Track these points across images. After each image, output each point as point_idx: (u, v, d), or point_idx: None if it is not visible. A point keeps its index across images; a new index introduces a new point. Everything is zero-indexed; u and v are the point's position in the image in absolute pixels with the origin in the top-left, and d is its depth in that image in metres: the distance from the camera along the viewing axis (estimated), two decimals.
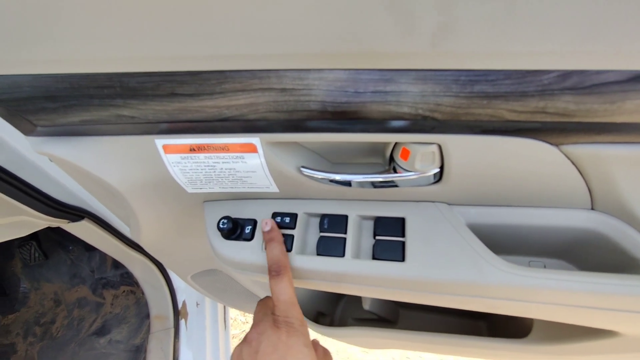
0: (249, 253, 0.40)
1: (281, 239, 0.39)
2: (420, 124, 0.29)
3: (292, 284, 0.36)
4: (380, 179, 0.34)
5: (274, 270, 0.36)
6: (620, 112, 0.25)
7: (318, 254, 0.38)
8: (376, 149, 0.37)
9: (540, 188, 0.34)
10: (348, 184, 0.37)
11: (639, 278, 0.32)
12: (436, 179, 0.35)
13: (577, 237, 0.37)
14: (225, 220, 0.40)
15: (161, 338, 0.95)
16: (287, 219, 0.41)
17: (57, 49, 0.25)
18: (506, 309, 0.37)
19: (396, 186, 0.36)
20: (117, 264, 1.20)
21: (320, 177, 0.36)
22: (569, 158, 0.30)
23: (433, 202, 0.38)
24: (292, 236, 0.39)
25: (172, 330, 0.96)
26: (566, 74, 0.24)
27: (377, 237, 0.38)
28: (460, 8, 0.21)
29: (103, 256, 1.21)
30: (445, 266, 0.35)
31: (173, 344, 0.94)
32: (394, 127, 0.29)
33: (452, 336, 0.58)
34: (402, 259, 0.36)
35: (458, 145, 0.30)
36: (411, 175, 0.33)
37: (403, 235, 0.37)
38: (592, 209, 0.36)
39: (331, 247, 0.38)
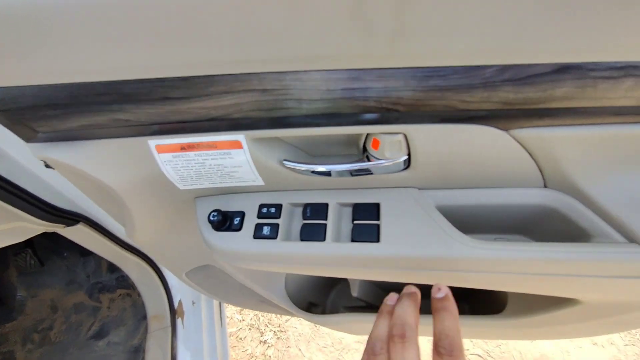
0: (237, 242, 0.43)
1: (456, 311, 0.29)
2: (386, 116, 0.32)
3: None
4: (356, 167, 0.38)
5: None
6: (552, 99, 0.29)
7: (302, 240, 0.42)
8: (351, 141, 0.41)
9: (498, 170, 0.38)
10: (328, 174, 0.40)
11: (586, 245, 0.37)
12: (405, 166, 0.38)
13: (534, 213, 0.41)
14: (215, 213, 0.43)
15: (159, 337, 0.97)
16: (273, 210, 0.44)
17: (58, 61, 0.29)
18: (473, 282, 0.41)
19: (371, 174, 0.40)
20: (112, 268, 1.22)
21: (301, 168, 0.39)
22: (517, 141, 0.34)
23: (405, 187, 0.42)
24: (277, 225, 0.43)
25: (170, 329, 0.99)
26: (504, 68, 0.28)
27: (355, 222, 0.42)
28: (413, 15, 0.24)
29: (98, 261, 1.23)
30: (415, 244, 0.39)
31: (171, 342, 0.97)
32: (363, 119, 0.33)
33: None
34: (378, 240, 0.40)
35: (420, 133, 0.34)
36: (382, 163, 0.37)
37: (378, 219, 0.41)
38: (546, 186, 0.40)
39: (313, 232, 0.42)
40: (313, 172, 0.39)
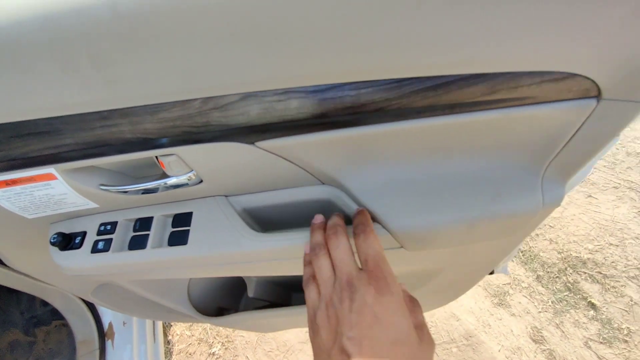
0: (77, 258, 0.50)
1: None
2: (150, 142, 0.41)
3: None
4: (149, 186, 0.46)
5: (359, 228, 0.39)
6: (245, 121, 0.38)
7: (129, 249, 0.49)
8: (153, 163, 0.49)
9: (274, 174, 0.47)
10: (153, 191, 0.48)
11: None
12: (200, 180, 0.47)
13: (319, 206, 0.50)
14: (56, 235, 0.50)
15: None
16: (109, 227, 0.52)
17: None
18: (264, 270, 0.50)
19: (180, 187, 0.48)
20: (45, 301, 1.24)
21: (113, 190, 0.47)
22: (266, 150, 0.43)
23: (214, 196, 0.51)
24: (110, 239, 0.50)
25: (98, 352, 1.03)
26: (205, 100, 0.36)
27: (172, 229, 0.50)
28: (118, 68, 0.32)
29: (31, 296, 1.25)
30: (214, 244, 0.47)
31: None
32: (136, 147, 0.41)
33: None
34: (186, 243, 0.48)
35: (187, 153, 0.42)
36: (168, 180, 0.45)
37: (189, 225, 0.49)
38: (323, 183, 0.49)
39: (138, 242, 0.49)
40: (124, 192, 0.47)
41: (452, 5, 0.26)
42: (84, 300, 1.08)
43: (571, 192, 1.67)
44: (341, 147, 0.43)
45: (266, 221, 0.51)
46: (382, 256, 0.36)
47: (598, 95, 0.32)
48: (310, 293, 0.39)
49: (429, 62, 0.30)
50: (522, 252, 1.55)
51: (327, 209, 0.51)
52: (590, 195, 1.64)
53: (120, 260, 0.50)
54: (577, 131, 0.36)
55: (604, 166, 1.72)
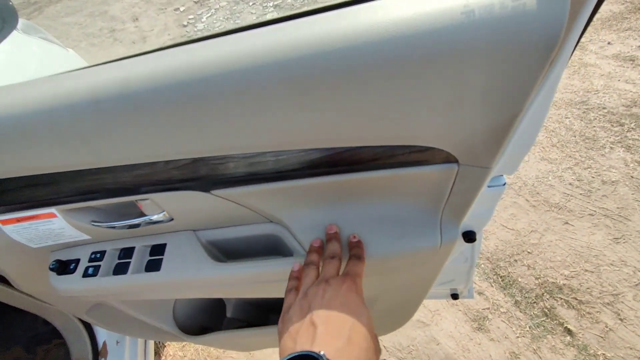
0: (71, 282, 0.61)
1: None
2: (129, 190, 0.52)
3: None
4: (131, 223, 0.57)
5: (355, 255, 0.48)
6: (198, 177, 0.49)
7: (113, 274, 0.60)
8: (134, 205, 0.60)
9: (230, 215, 0.58)
10: (135, 226, 0.59)
11: (271, 258, 0.56)
12: (169, 218, 0.58)
13: (268, 240, 0.61)
14: (54, 263, 0.61)
15: None
16: (99, 255, 0.63)
17: None
18: (222, 293, 0.60)
19: (154, 224, 0.59)
20: (47, 320, 1.34)
21: (103, 226, 0.58)
22: (221, 197, 0.54)
23: (185, 230, 0.62)
24: (99, 266, 0.61)
25: None
26: (167, 162, 0.47)
27: (149, 258, 0.60)
28: (101, 143, 0.44)
29: (34, 315, 1.35)
30: (180, 270, 0.57)
31: None
32: (119, 193, 0.53)
33: None
34: (159, 269, 0.58)
35: (157, 198, 0.53)
36: (147, 218, 0.56)
37: (163, 254, 0.60)
38: (271, 221, 0.60)
39: (121, 268, 0.60)
40: (112, 227, 0.58)
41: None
42: (81, 321, 1.17)
43: (548, 219, 1.74)
44: (278, 195, 0.54)
45: (229, 252, 0.61)
46: (360, 275, 0.45)
47: (457, 161, 0.43)
48: (289, 295, 0.46)
49: (324, 138, 0.41)
50: (501, 277, 1.60)
51: (275, 242, 0.61)
52: (567, 222, 1.70)
53: (105, 284, 0.60)
54: (452, 185, 0.46)
55: (580, 194, 1.79)
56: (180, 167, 0.47)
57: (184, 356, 1.64)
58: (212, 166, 0.47)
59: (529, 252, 1.65)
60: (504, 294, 1.56)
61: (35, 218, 0.57)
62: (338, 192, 0.50)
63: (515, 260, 1.64)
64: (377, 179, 0.46)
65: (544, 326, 1.44)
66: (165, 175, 0.49)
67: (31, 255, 0.66)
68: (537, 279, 1.56)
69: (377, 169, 0.45)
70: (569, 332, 1.41)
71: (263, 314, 1.05)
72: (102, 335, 1.20)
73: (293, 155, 0.45)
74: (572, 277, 1.54)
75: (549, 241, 1.66)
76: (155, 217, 0.56)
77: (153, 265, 0.59)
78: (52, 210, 0.56)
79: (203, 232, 0.61)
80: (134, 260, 0.60)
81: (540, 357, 1.37)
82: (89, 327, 1.20)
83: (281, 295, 0.57)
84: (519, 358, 1.38)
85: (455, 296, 1.09)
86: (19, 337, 1.33)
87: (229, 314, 0.92)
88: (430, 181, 0.46)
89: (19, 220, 0.57)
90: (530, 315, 1.48)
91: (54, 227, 0.58)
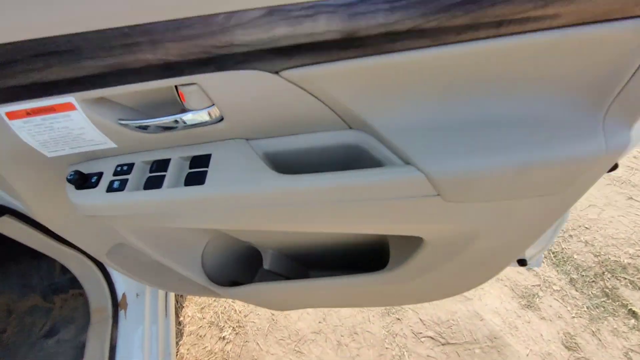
0: (93, 197, 0.49)
1: None
2: (171, 68, 0.38)
3: None
4: (168, 120, 0.44)
5: None
6: (269, 41, 0.35)
7: (144, 189, 0.47)
8: (173, 100, 0.46)
9: (298, 112, 0.43)
10: (170, 128, 0.46)
11: (367, 170, 0.42)
12: (220, 118, 0.44)
13: (345, 152, 0.47)
14: (73, 173, 0.49)
15: (99, 328, 1.01)
16: (125, 167, 0.50)
17: None
18: (282, 218, 0.46)
19: (196, 126, 0.45)
20: (65, 270, 1.26)
21: (133, 124, 0.45)
22: (290, 82, 0.39)
23: (234, 139, 0.48)
24: (126, 179, 0.49)
25: (111, 320, 1.02)
26: (228, 15, 0.33)
27: (189, 171, 0.47)
28: None
29: (52, 263, 1.27)
30: (232, 183, 0.44)
31: (110, 332, 1.00)
32: (156, 74, 0.39)
33: (344, 278, 0.67)
34: (203, 183, 0.45)
35: (208, 82, 0.39)
36: (191, 115, 0.43)
37: (207, 166, 0.46)
38: (350, 128, 0.45)
39: (153, 182, 0.47)
40: (139, 127, 0.45)
41: None
42: (100, 269, 1.08)
43: (609, 193, 1.56)
44: (371, 79, 0.39)
45: (287, 170, 0.48)
46: None
47: None
48: None
49: None
50: (553, 253, 1.44)
51: (355, 156, 0.47)
52: (631, 198, 1.52)
53: (134, 199, 0.47)
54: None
55: None
56: (247, 23, 0.33)
57: (203, 318, 1.56)
58: (293, 22, 0.33)
59: (586, 228, 1.48)
60: (557, 270, 1.40)
61: (50, 111, 0.44)
62: (462, 75, 0.35)
63: (571, 236, 1.47)
64: (529, 50, 0.31)
65: (604, 307, 1.29)
66: (224, 39, 0.35)
67: (47, 169, 0.54)
68: (596, 256, 1.40)
69: (537, 29, 0.30)
70: (633, 314, 1.26)
71: (303, 269, 0.93)
72: (122, 286, 1.11)
73: (417, 1, 0.30)
74: (638, 256, 1.37)
75: (610, 217, 1.48)
76: (201, 114, 0.43)
77: (195, 178, 0.46)
78: (69, 99, 0.43)
79: (257, 142, 0.48)
80: (170, 173, 0.47)
81: (600, 340, 1.22)
82: (107, 278, 1.11)
83: (371, 229, 0.44)
84: (574, 339, 1.23)
85: (522, 262, 0.94)
86: (36, 285, 1.26)
87: (266, 266, 0.80)
88: (609, 52, 0.31)
89: (29, 112, 0.44)
90: (588, 295, 1.32)
91: (72, 125, 0.46)
